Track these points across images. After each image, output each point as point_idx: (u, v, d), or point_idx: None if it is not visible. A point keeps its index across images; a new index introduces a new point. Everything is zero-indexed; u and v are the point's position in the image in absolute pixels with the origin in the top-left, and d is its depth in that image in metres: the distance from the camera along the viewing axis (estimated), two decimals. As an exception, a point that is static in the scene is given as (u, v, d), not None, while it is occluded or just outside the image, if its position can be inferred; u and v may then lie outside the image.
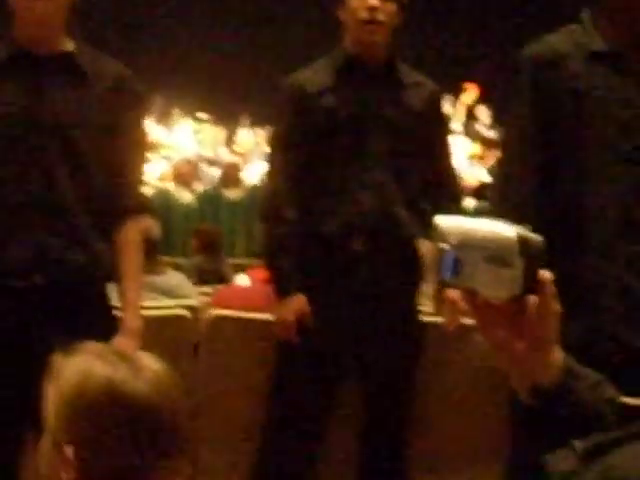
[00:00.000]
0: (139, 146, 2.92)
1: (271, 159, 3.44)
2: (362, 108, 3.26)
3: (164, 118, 13.01)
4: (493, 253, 1.15)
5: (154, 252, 4.52)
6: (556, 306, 1.20)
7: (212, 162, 11.15)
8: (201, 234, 7.22)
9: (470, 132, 11.61)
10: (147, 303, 4.14)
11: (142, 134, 2.97)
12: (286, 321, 3.24)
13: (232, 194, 9.40)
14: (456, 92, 11.62)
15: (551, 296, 1.19)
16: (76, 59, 2.76)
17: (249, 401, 3.59)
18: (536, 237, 1.16)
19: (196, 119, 13.34)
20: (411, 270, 3.37)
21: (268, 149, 3.49)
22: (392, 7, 3.22)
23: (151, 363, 1.52)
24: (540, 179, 2.49)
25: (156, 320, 3.57)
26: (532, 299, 1.17)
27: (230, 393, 3.65)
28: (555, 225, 2.36)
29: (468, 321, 3.18)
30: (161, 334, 3.46)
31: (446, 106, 11.75)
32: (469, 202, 8.72)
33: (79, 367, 1.48)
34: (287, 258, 3.19)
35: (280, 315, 3.27)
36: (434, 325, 3.40)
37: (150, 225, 4.41)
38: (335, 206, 3.21)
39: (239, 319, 3.66)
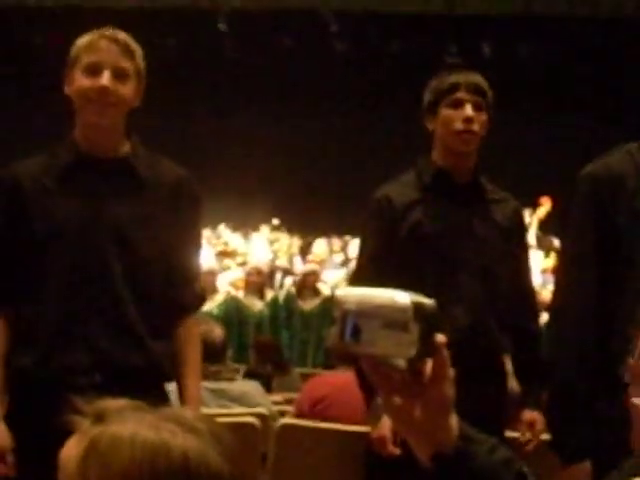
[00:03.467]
0: (195, 245, 2.95)
1: (359, 271, 3.43)
2: (451, 223, 3.29)
3: (241, 226, 13.25)
4: (390, 318, 1.20)
5: (222, 357, 4.54)
6: (450, 371, 1.24)
7: (287, 271, 11.25)
8: (259, 345, 7.40)
9: (543, 245, 11.60)
10: (216, 410, 4.18)
11: (198, 234, 2.99)
12: (384, 437, 3.19)
13: (306, 304, 9.45)
14: (531, 205, 11.66)
15: (445, 359, 1.24)
16: (134, 164, 2.81)
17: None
18: (429, 303, 1.22)
19: (272, 226, 13.57)
20: (498, 386, 3.35)
21: (356, 259, 3.50)
22: (484, 118, 3.28)
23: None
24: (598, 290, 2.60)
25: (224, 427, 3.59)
26: (427, 361, 1.22)
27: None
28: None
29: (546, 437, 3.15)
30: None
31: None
32: (544, 316, 8.64)
33: (138, 440, 1.25)
34: None
35: (377, 431, 3.23)
36: (513, 440, 3.36)
37: (214, 330, 4.46)
38: None
39: (308, 428, 3.65)
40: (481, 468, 1.26)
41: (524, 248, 3.53)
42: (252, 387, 4.64)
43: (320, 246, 12.12)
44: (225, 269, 10.86)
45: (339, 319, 1.23)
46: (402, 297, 1.21)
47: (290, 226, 13.56)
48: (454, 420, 1.27)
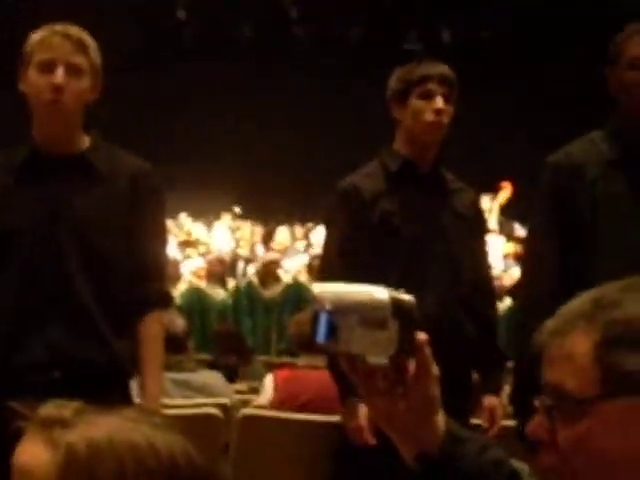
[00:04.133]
0: (158, 240, 2.91)
1: (328, 265, 3.40)
2: (419, 213, 3.30)
3: (202, 215, 13.20)
4: (367, 316, 1.16)
5: (184, 348, 4.52)
6: (434, 369, 1.21)
7: (248, 260, 11.23)
8: (220, 335, 7.38)
9: (505, 230, 11.64)
10: (180, 401, 4.16)
11: (161, 228, 2.94)
12: (360, 427, 3.17)
13: (267, 292, 9.43)
14: (492, 190, 11.70)
15: (428, 358, 1.20)
16: (91, 159, 2.77)
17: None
18: (409, 299, 1.19)
19: (234, 214, 13.52)
20: (466, 372, 3.36)
21: (323, 253, 3.45)
22: (451, 109, 3.29)
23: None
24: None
25: (186, 419, 3.57)
26: (410, 364, 1.19)
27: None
28: None
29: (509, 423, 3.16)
30: (191, 433, 3.45)
31: (485, 203, 11.84)
32: (506, 301, 8.68)
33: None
34: None
35: (351, 421, 3.20)
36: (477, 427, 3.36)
37: (175, 320, 4.44)
38: None
39: (269, 418, 3.64)
40: (468, 469, 1.22)
41: (482, 237, 3.57)
42: (214, 377, 4.62)
43: (283, 234, 12.10)
44: (187, 258, 10.81)
45: (312, 318, 1.18)
46: (380, 293, 1.18)
47: (252, 214, 13.53)
48: (441, 419, 1.24)
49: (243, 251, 11.57)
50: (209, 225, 12.82)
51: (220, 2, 12.81)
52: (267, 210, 13.70)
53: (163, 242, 2.97)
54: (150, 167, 2.88)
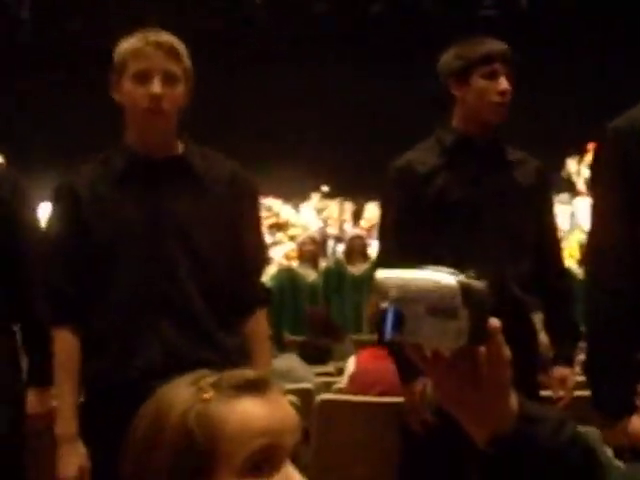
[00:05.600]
0: (258, 239, 2.96)
1: (383, 244, 3.40)
2: (474, 187, 3.27)
3: (291, 196, 13.25)
4: (435, 304, 1.10)
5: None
6: (506, 353, 1.17)
7: (338, 239, 11.23)
8: (311, 317, 7.42)
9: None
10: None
11: (259, 227, 3.01)
12: (416, 405, 3.18)
13: (356, 269, 9.43)
14: (578, 153, 11.50)
15: (501, 344, 1.16)
16: (189, 162, 2.82)
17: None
18: (480, 284, 1.10)
19: (322, 193, 13.53)
20: (528, 347, 3.32)
21: (380, 231, 3.46)
22: (510, 86, 3.26)
23: None
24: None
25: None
26: (482, 352, 1.14)
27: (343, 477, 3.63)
28: None
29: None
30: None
31: (571, 166, 11.63)
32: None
33: None
34: None
35: (409, 400, 3.22)
36: (550, 399, 3.34)
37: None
38: None
39: (346, 402, 3.65)
40: (543, 449, 1.18)
41: (549, 206, 3.51)
42: (295, 362, 4.65)
43: (372, 210, 12.05)
44: (278, 242, 10.87)
45: (378, 312, 1.13)
46: (448, 279, 1.10)
47: (341, 192, 13.51)
48: (513, 400, 1.20)
49: (332, 230, 11.57)
50: (297, 207, 12.85)
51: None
52: (357, 187, 13.66)
53: (262, 241, 3.05)
54: (243, 168, 2.93)
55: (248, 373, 1.33)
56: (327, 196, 13.60)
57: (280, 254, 10.22)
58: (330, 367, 5.89)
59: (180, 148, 2.85)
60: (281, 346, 8.41)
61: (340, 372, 5.24)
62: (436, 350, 1.16)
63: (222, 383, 1.29)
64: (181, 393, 1.30)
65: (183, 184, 2.79)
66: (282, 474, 1.25)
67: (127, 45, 2.76)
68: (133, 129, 2.81)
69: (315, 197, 13.43)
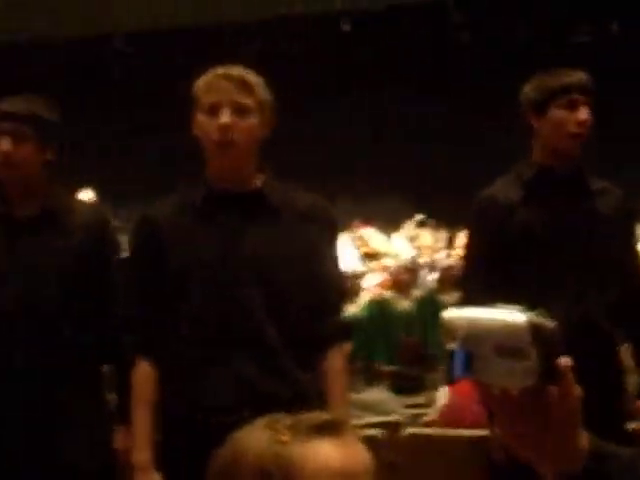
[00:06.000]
0: (335, 273, 2.95)
1: (467, 276, 3.38)
2: (557, 220, 3.23)
3: (383, 225, 13.22)
4: (503, 343, 1.08)
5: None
6: (577, 391, 1.13)
7: (431, 267, 11.16)
8: (404, 347, 7.40)
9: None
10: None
11: (337, 262, 2.99)
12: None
13: (449, 297, 9.36)
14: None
15: (571, 383, 1.12)
16: (266, 195, 2.83)
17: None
18: (550, 322, 1.09)
19: (416, 222, 13.48)
20: (615, 380, 3.26)
21: (464, 263, 3.47)
22: (589, 116, 3.22)
23: None
24: None
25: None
26: (552, 391, 1.11)
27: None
28: None
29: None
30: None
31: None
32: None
33: None
34: None
35: (495, 436, 3.17)
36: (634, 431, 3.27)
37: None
38: None
39: (432, 436, 3.61)
40: None
41: (633, 235, 3.44)
42: (383, 394, 4.63)
43: (464, 237, 11.94)
44: (369, 270, 10.85)
45: (450, 352, 1.15)
46: (517, 317, 1.08)
47: (434, 219, 13.43)
48: (584, 438, 1.18)
49: (424, 259, 11.50)
50: (389, 235, 12.81)
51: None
52: (451, 215, 13.58)
53: (340, 275, 3.04)
54: (325, 201, 2.94)
55: (324, 415, 1.36)
56: (421, 225, 13.54)
57: (372, 283, 10.20)
58: (421, 398, 5.84)
59: (260, 181, 2.86)
60: (371, 377, 8.38)
61: (431, 403, 5.20)
62: (504, 389, 1.14)
63: (298, 425, 1.32)
64: (257, 436, 1.32)
65: (259, 218, 2.81)
66: None
67: (200, 81, 2.81)
68: (209, 162, 2.84)
69: (408, 226, 13.38)
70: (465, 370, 1.12)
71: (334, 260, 2.94)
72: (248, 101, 2.78)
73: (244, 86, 2.76)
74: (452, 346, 1.14)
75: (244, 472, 1.28)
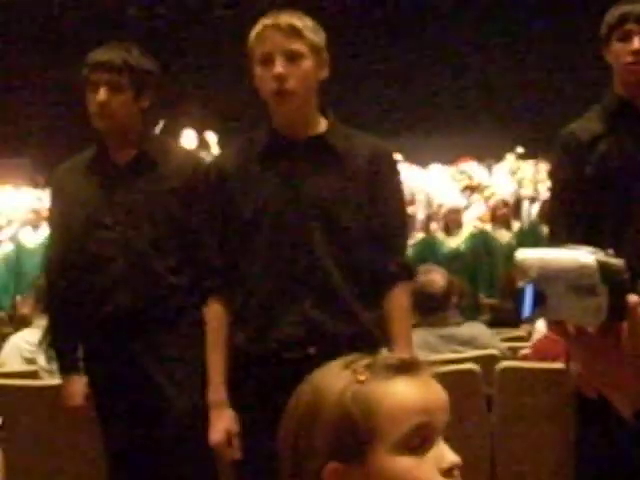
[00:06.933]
0: (398, 215, 2.98)
1: (551, 214, 3.39)
2: (636, 153, 3.20)
3: (482, 157, 13.12)
4: (575, 282, 1.14)
5: (446, 305, 4.57)
6: None
7: (532, 199, 11.05)
8: (504, 280, 7.35)
9: None
10: (445, 356, 4.22)
11: (401, 204, 3.03)
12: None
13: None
14: None
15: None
16: (330, 141, 2.88)
17: (541, 456, 3.55)
18: (617, 262, 1.14)
19: (517, 154, 13.32)
20: None
21: (549, 201, 3.49)
22: None
23: None
24: None
25: (447, 374, 3.62)
26: (622, 327, 1.15)
27: (525, 447, 3.62)
28: None
29: None
30: (454, 387, 3.50)
31: None
32: None
33: None
34: None
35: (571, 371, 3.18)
36: None
37: (434, 281, 4.49)
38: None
39: (528, 369, 3.63)
40: None
41: None
42: (480, 329, 4.65)
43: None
44: (471, 204, 10.81)
45: (516, 294, 1.18)
46: (586, 257, 1.14)
47: (536, 152, 13.27)
48: None
49: (526, 191, 11.39)
50: (490, 168, 12.71)
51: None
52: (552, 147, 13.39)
53: (404, 217, 3.05)
54: (387, 145, 2.96)
55: (400, 355, 1.41)
56: (522, 157, 13.38)
57: (473, 216, 10.17)
58: (521, 331, 5.84)
59: (323, 126, 2.89)
60: (475, 309, 8.40)
61: (530, 337, 5.20)
62: (579, 327, 1.18)
63: (376, 365, 1.36)
64: (336, 376, 1.37)
65: (323, 162, 2.85)
66: (435, 451, 1.31)
67: (252, 32, 2.83)
68: (270, 111, 2.89)
69: (510, 158, 13.23)
70: (535, 308, 1.16)
71: (397, 201, 2.97)
72: (299, 46, 2.77)
73: (293, 32, 2.76)
74: (521, 284, 1.17)
75: (325, 411, 1.34)
